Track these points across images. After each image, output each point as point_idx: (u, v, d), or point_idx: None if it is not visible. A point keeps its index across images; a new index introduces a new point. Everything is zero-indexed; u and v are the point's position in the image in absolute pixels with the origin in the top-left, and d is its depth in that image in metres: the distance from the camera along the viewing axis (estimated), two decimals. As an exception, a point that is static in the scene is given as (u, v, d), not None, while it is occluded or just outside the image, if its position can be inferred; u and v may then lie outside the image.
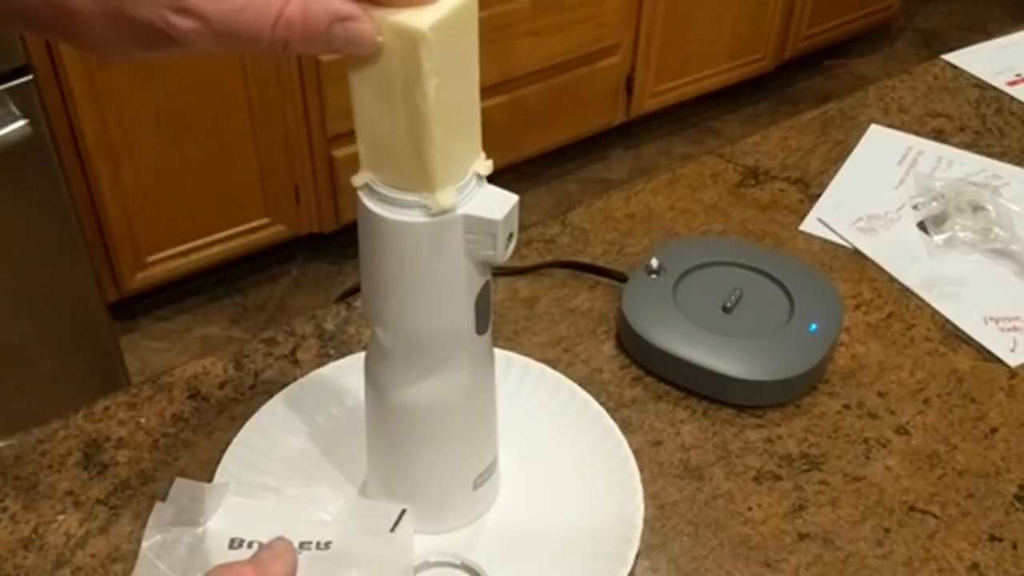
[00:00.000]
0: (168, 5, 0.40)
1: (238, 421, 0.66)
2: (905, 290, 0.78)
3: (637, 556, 0.59)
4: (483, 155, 0.50)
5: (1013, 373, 0.72)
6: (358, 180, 0.49)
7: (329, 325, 0.75)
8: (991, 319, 0.76)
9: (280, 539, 0.47)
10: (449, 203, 0.47)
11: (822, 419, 0.69)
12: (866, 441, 0.68)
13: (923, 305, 0.77)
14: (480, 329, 0.53)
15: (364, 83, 0.45)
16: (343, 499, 0.60)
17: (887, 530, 0.62)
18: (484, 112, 0.48)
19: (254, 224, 1.91)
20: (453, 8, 0.43)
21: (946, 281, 0.79)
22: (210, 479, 0.62)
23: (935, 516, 0.63)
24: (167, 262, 1.86)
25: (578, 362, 0.72)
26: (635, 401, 0.70)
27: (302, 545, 0.55)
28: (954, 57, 1.05)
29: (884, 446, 0.67)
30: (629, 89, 2.29)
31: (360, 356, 0.61)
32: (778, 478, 0.65)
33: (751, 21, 2.39)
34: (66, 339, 1.54)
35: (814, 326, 0.70)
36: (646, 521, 0.61)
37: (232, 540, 0.56)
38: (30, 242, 1.40)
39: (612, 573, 0.58)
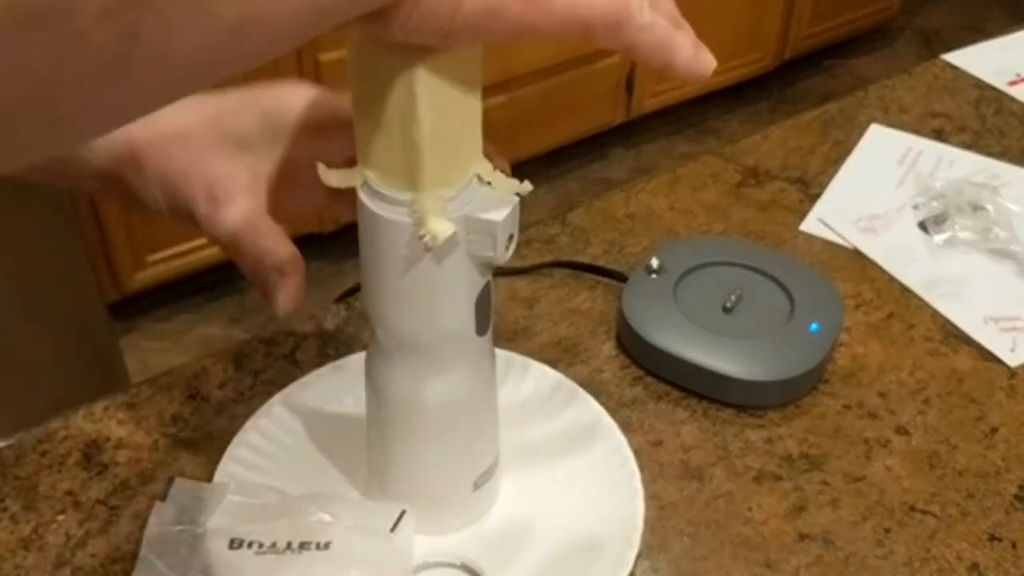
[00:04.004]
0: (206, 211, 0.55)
1: (238, 421, 0.66)
2: (905, 290, 0.78)
3: (637, 556, 0.59)
4: (520, 183, 0.50)
5: (1013, 373, 0.72)
6: (334, 180, 0.49)
7: (329, 325, 0.75)
8: (991, 319, 0.76)
9: None
10: (443, 233, 0.47)
11: (822, 419, 0.69)
12: (866, 441, 0.68)
13: (923, 305, 0.77)
14: (480, 331, 0.53)
15: (362, 108, 0.45)
16: (343, 499, 0.60)
17: (887, 530, 0.62)
18: (484, 112, 0.48)
19: (254, 224, 1.91)
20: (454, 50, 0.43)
21: (946, 281, 0.79)
22: (210, 479, 0.62)
23: (935, 516, 0.63)
24: (167, 262, 1.86)
25: (578, 362, 0.72)
26: (635, 401, 0.70)
27: (302, 545, 0.55)
28: (954, 57, 1.05)
29: (884, 446, 0.67)
30: (629, 89, 2.29)
31: (360, 356, 0.61)
32: (778, 478, 0.65)
33: (751, 21, 2.39)
34: (66, 339, 1.53)
35: (814, 326, 0.70)
36: (646, 521, 0.61)
37: (232, 540, 0.56)
38: (30, 242, 1.40)
39: (612, 573, 0.58)
